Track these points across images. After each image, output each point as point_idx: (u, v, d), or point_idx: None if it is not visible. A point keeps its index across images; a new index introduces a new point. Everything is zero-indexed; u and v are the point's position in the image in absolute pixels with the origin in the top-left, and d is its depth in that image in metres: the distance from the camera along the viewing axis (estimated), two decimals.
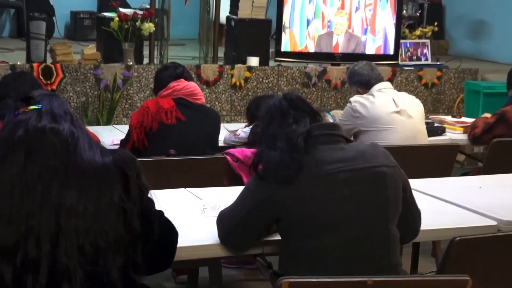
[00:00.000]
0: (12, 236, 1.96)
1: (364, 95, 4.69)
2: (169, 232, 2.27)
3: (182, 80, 4.25)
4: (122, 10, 7.42)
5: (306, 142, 2.45)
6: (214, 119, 4.35)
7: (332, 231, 2.42)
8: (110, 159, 2.13)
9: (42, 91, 2.42)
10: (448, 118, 5.82)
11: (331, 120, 4.82)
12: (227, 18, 8.20)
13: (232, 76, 7.64)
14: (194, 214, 3.00)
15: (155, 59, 7.83)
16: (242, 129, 4.49)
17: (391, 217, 2.50)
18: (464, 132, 5.25)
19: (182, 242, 2.31)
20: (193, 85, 4.30)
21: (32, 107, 2.15)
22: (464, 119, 5.84)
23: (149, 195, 2.20)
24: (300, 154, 2.42)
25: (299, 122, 2.51)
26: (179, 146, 4.00)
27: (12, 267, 1.96)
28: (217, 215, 2.71)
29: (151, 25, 7.34)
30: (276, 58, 8.14)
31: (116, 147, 4.14)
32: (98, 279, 2.01)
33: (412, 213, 2.69)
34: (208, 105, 4.72)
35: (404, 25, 8.85)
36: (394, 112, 4.56)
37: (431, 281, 2.37)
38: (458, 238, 2.56)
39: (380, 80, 4.81)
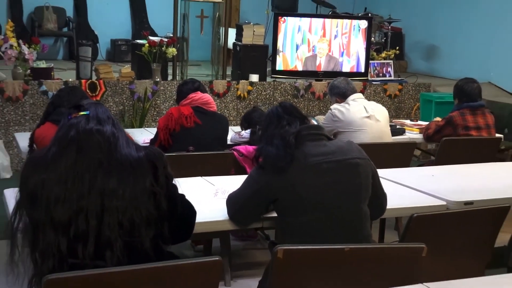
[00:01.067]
0: (66, 214, 1.98)
1: (341, 104, 4.69)
2: (189, 210, 2.29)
3: (199, 92, 4.27)
4: (151, 38, 7.42)
5: (296, 140, 2.48)
6: (224, 123, 4.36)
7: (316, 210, 2.45)
8: (143, 153, 2.15)
9: (90, 101, 2.42)
10: (407, 122, 5.87)
11: (315, 123, 4.86)
12: (234, 44, 8.18)
13: (237, 89, 7.64)
14: (208, 197, 3.02)
15: (177, 76, 7.83)
16: (244, 131, 4.53)
17: (363, 199, 2.54)
18: (420, 133, 5.26)
19: (199, 218, 2.34)
20: (207, 96, 4.31)
21: (81, 113, 2.17)
22: (419, 122, 5.88)
23: (173, 182, 2.22)
24: (292, 149, 2.45)
25: (291, 124, 2.54)
26: (196, 144, 4.02)
27: (66, 238, 1.98)
28: (226, 197, 2.75)
29: (174, 49, 7.35)
30: (272, 75, 8.12)
31: (147, 145, 4.16)
32: (134, 248, 2.03)
33: (379, 196, 2.72)
34: (219, 112, 4.71)
35: (372, 49, 8.84)
36: (365, 117, 4.56)
37: (395, 248, 2.38)
38: (415, 215, 2.60)
39: (354, 92, 4.80)
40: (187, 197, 2.29)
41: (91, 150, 2.06)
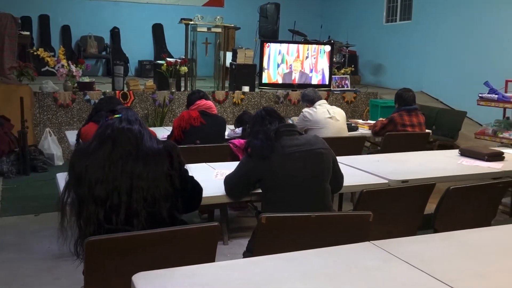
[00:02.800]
0: (104, 191, 1.98)
1: (310, 108, 4.69)
2: (197, 188, 2.29)
3: (203, 99, 4.25)
4: (168, 59, 7.39)
5: (276, 135, 2.48)
6: (222, 123, 4.34)
7: (291, 187, 2.46)
8: (161, 146, 2.15)
9: (122, 106, 2.41)
10: (360, 121, 5.85)
11: (291, 122, 4.85)
12: (230, 63, 8.13)
13: (233, 97, 7.63)
14: (210, 178, 3.01)
15: (188, 88, 7.80)
16: (237, 129, 4.53)
17: (326, 178, 2.54)
18: (369, 129, 5.25)
19: (204, 194, 2.31)
20: (210, 103, 4.29)
21: (116, 116, 2.16)
22: (369, 121, 5.87)
23: (185, 167, 2.21)
24: (272, 142, 2.45)
25: (271, 123, 2.54)
26: (202, 138, 4.01)
27: (104, 209, 1.98)
28: (224, 178, 2.73)
29: (185, 68, 7.34)
30: (259, 87, 8.12)
31: (165, 139, 4.16)
32: (155, 216, 2.03)
33: (338, 176, 2.72)
34: (219, 114, 4.69)
35: (334, 67, 8.86)
36: (327, 118, 4.57)
37: (349, 215, 2.38)
38: (364, 190, 2.61)
39: (320, 98, 4.78)
40: (195, 178, 2.29)
41: (123, 143, 2.06)
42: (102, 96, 6.68)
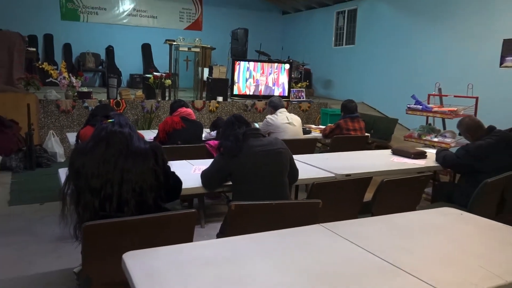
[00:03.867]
0: (98, 183, 1.95)
1: (272, 114, 4.67)
2: (177, 181, 2.27)
3: (184, 107, 4.19)
4: (155, 73, 7.30)
5: (244, 137, 2.47)
6: (200, 127, 4.27)
7: (256, 180, 2.45)
8: (148, 146, 2.12)
9: (115, 112, 2.36)
10: (313, 126, 5.85)
11: (256, 126, 4.84)
12: (207, 78, 8.07)
13: (209, 106, 7.56)
14: (190, 172, 2.96)
15: (171, 97, 7.69)
16: (213, 132, 4.48)
17: (284, 173, 2.54)
18: (320, 133, 5.26)
19: (183, 186, 2.29)
20: (189, 110, 4.22)
21: (109, 120, 2.12)
22: (320, 126, 5.88)
23: (167, 164, 2.19)
24: (240, 143, 2.44)
25: (240, 128, 2.54)
26: (183, 140, 3.95)
27: (98, 199, 1.94)
28: (200, 172, 2.70)
29: (169, 81, 7.25)
30: (231, 97, 8.08)
31: (151, 140, 4.09)
32: (142, 204, 2.00)
33: (294, 171, 2.72)
34: (197, 120, 4.63)
35: (292, 81, 8.89)
36: (286, 123, 4.56)
37: (302, 203, 2.36)
38: (315, 182, 2.62)
39: (283, 107, 4.74)
40: (176, 173, 2.27)
41: (115, 144, 2.02)
42: (98, 104, 6.54)
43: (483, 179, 3.00)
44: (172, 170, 2.23)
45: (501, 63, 6.68)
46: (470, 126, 3.53)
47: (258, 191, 2.43)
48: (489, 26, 6.86)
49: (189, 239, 1.93)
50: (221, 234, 2.49)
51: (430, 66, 7.83)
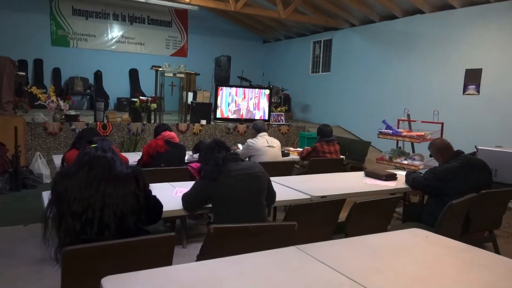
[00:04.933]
0: (80, 207, 1.91)
1: (253, 138, 4.65)
2: (158, 205, 2.24)
3: (167, 131, 4.15)
4: (141, 97, 7.26)
5: (223, 161, 2.45)
6: (183, 149, 4.23)
7: (235, 202, 2.43)
8: (130, 170, 2.09)
9: (100, 137, 2.32)
10: (291, 148, 5.84)
11: (241, 148, 4.83)
12: (191, 102, 8.07)
13: (193, 128, 7.54)
14: (171, 195, 2.93)
15: (157, 120, 7.64)
16: (195, 154, 4.44)
17: (262, 195, 2.53)
18: (298, 155, 5.27)
19: (165, 208, 2.26)
20: (173, 133, 4.19)
21: (93, 145, 2.09)
22: (298, 149, 5.86)
23: (149, 188, 2.16)
24: (220, 167, 2.42)
25: (220, 152, 2.52)
26: (166, 162, 3.89)
27: (80, 223, 1.90)
28: (182, 195, 2.66)
29: (155, 105, 7.22)
30: (214, 120, 8.08)
31: (135, 163, 4.03)
32: (123, 228, 1.96)
33: (271, 193, 2.71)
34: (181, 143, 4.59)
35: (272, 106, 8.97)
36: (266, 146, 4.55)
37: (278, 225, 2.32)
38: (292, 204, 2.60)
39: (264, 130, 4.73)
40: (158, 196, 2.23)
41: (97, 168, 2.00)
42: (85, 126, 6.45)
43: (449, 200, 3.03)
44: (153, 193, 2.20)
45: (464, 91, 6.88)
46: (441, 148, 3.59)
47: (237, 212, 2.41)
48: (453, 57, 7.09)
49: (169, 262, 1.88)
50: (201, 255, 2.43)
51: (400, 93, 8.02)
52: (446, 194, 3.28)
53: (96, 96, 9.59)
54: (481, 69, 6.63)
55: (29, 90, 6.61)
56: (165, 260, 1.86)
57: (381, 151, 6.96)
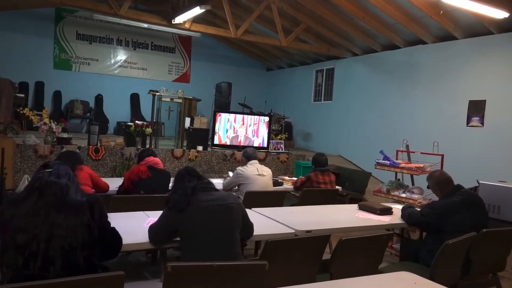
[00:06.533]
0: (24, 239, 1.72)
1: (243, 166, 4.46)
2: (116, 238, 2.03)
3: (151, 156, 3.94)
4: (137, 122, 7.15)
5: (193, 191, 2.25)
6: (167, 176, 3.95)
7: (204, 237, 2.21)
8: (85, 199, 1.91)
9: (56, 162, 2.12)
10: (286, 177, 5.53)
11: (230, 175, 4.62)
12: (188, 127, 7.95)
13: (189, 154, 7.36)
14: (143, 224, 2.67)
15: (152, 145, 7.48)
16: None
17: (235, 228, 2.31)
18: (291, 184, 5.05)
19: (133, 239, 2.07)
20: (157, 159, 3.99)
21: (47, 170, 1.93)
22: (293, 178, 5.59)
23: (106, 219, 1.97)
24: (188, 197, 2.22)
25: (190, 181, 2.32)
26: (149, 189, 3.66)
27: (22, 256, 1.71)
28: (148, 226, 2.43)
29: (149, 129, 7.08)
30: (211, 147, 7.92)
31: (90, 193, 3.78)
32: (71, 263, 1.76)
33: (247, 227, 2.49)
34: (166, 169, 4.37)
35: (273, 133, 8.80)
36: (256, 174, 4.33)
37: (246, 264, 2.03)
38: (269, 240, 2.35)
39: (255, 158, 4.54)
40: (129, 225, 2.04)
41: (48, 195, 1.83)
42: (77, 150, 6.32)
43: (447, 238, 2.81)
44: (111, 226, 2.00)
45: (467, 123, 6.67)
46: (440, 181, 3.37)
47: (207, 247, 2.19)
48: (456, 87, 6.93)
49: None
50: None
51: (400, 122, 7.83)
52: (444, 231, 3.05)
53: (96, 120, 9.53)
54: (485, 100, 6.44)
55: (21, 112, 6.51)
56: None
57: (382, 183, 6.69)
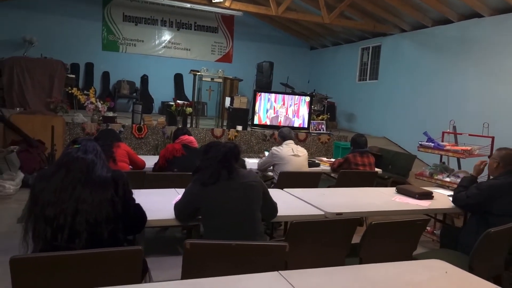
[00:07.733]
0: (52, 212, 1.79)
1: (279, 146, 4.40)
2: (139, 214, 2.08)
3: (186, 135, 4.00)
4: (178, 101, 7.27)
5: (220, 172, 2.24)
6: (200, 155, 3.99)
7: (223, 215, 2.19)
8: (110, 175, 1.94)
9: (85, 138, 2.17)
10: (324, 159, 5.37)
11: (266, 155, 4.56)
12: (228, 107, 7.98)
13: (228, 134, 7.41)
14: (171, 201, 2.57)
15: (193, 125, 7.59)
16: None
17: (255, 207, 2.26)
18: (329, 166, 4.90)
19: (160, 215, 2.18)
20: (191, 138, 4.02)
21: (75, 146, 1.97)
22: (332, 159, 5.40)
23: (131, 195, 2.01)
24: (215, 176, 2.21)
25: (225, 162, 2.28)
26: (182, 167, 3.69)
27: (51, 228, 1.78)
28: (174, 203, 2.42)
29: (190, 109, 7.18)
30: (251, 127, 7.91)
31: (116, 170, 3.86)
32: (96, 236, 1.81)
33: (269, 206, 2.42)
34: (199, 148, 4.40)
35: (314, 114, 8.63)
36: (291, 155, 4.26)
37: (266, 245, 1.99)
38: (294, 221, 2.27)
39: (291, 138, 4.44)
40: (159, 202, 2.07)
41: (74, 171, 1.87)
42: (121, 128, 6.54)
43: (493, 221, 2.68)
44: (143, 201, 2.04)
45: None
46: (505, 157, 3.09)
47: (227, 226, 2.17)
48: (509, 67, 6.38)
49: (136, 280, 1.69)
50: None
51: (450, 103, 7.38)
52: (490, 214, 2.87)
53: (141, 100, 9.81)
54: None
55: (69, 92, 6.82)
56: (131, 277, 1.67)
57: (428, 166, 6.38)
